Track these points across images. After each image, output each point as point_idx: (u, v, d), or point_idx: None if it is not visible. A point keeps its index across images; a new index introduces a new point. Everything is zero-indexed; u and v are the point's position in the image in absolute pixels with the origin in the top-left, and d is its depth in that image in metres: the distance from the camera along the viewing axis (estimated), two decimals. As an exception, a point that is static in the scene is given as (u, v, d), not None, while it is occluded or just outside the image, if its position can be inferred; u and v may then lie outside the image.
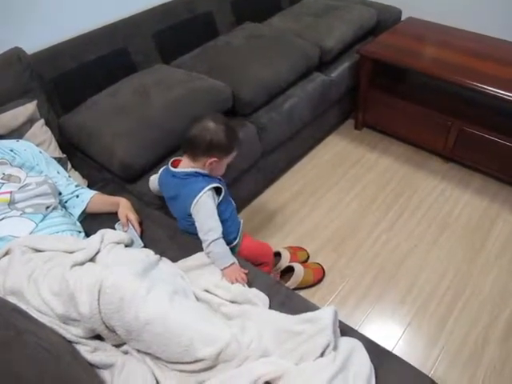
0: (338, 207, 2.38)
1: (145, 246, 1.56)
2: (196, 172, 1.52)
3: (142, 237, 1.60)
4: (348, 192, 2.48)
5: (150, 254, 1.44)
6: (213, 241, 1.47)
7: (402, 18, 3.07)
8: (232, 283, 1.44)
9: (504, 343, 1.82)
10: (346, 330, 1.32)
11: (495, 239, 2.23)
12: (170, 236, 1.63)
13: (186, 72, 2.20)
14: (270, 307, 1.38)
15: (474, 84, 2.32)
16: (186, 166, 1.54)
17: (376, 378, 1.19)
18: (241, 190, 2.24)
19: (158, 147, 1.89)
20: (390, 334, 1.86)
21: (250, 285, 1.45)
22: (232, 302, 1.38)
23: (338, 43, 2.57)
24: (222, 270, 1.48)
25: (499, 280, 2.05)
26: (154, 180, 1.75)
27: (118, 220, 1.63)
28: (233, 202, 1.70)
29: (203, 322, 1.20)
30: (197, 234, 1.52)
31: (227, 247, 1.52)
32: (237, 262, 1.51)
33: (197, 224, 1.50)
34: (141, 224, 1.64)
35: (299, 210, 2.37)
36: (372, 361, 1.21)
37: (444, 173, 2.60)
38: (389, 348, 1.78)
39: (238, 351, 1.15)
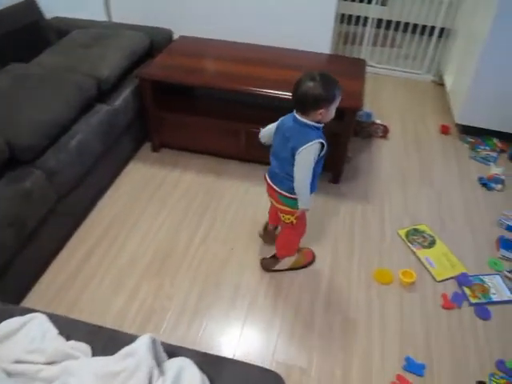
0: (152, 231, 2.37)
1: None
2: (313, 125, 1.74)
3: None
4: (158, 214, 2.48)
5: None
6: (306, 182, 1.78)
7: (175, 37, 3.19)
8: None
9: (326, 312, 2.03)
10: (175, 351, 1.32)
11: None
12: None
13: None
14: (94, 354, 1.32)
15: (251, 88, 2.53)
16: (301, 117, 1.76)
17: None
18: (44, 240, 2.09)
19: None
20: (229, 338, 1.92)
21: (67, 338, 1.36)
22: (50, 363, 1.28)
23: (113, 71, 2.55)
24: (300, 208, 1.86)
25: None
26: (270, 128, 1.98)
27: None
28: (319, 170, 1.89)
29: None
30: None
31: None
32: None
33: (297, 164, 1.76)
34: None
35: (113, 244, 2.30)
36: (208, 372, 1.24)
37: (244, 175, 2.78)
38: (230, 351, 1.85)
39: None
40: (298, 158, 1.75)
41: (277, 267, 2.20)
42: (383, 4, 4.10)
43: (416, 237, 2.42)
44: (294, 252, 2.19)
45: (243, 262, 2.24)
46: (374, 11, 4.00)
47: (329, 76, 1.73)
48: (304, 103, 1.72)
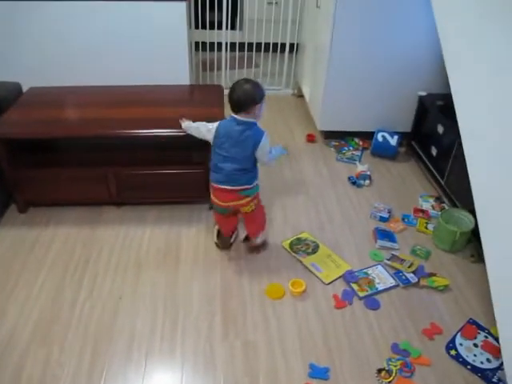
0: (31, 299, 2.19)
1: None
2: (255, 122, 2.14)
3: None
4: (36, 279, 2.30)
5: None
6: (271, 157, 2.27)
7: (24, 90, 3.03)
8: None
9: (225, 341, 2.02)
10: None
11: (186, 254, 2.46)
12: None
13: None
14: None
15: (113, 131, 2.50)
16: (243, 117, 2.11)
17: None
18: None
19: None
20: (129, 394, 1.83)
21: None
22: None
23: (-44, 137, 2.36)
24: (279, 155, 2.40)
25: (204, 288, 2.27)
26: (201, 126, 2.28)
27: None
28: None
29: None
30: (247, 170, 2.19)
31: None
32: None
33: (262, 152, 2.16)
34: None
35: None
36: None
37: (121, 218, 2.70)
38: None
39: None
40: (260, 148, 2.13)
41: (258, 243, 2.46)
42: (233, 28, 4.26)
43: (300, 245, 2.51)
44: (266, 225, 2.48)
45: (134, 309, 2.15)
46: (226, 36, 4.14)
47: (254, 80, 2.18)
48: (245, 102, 2.07)
